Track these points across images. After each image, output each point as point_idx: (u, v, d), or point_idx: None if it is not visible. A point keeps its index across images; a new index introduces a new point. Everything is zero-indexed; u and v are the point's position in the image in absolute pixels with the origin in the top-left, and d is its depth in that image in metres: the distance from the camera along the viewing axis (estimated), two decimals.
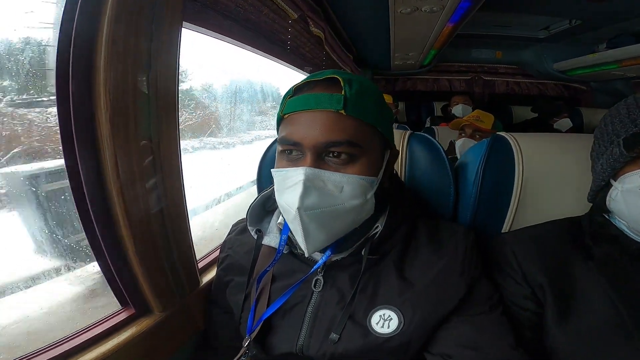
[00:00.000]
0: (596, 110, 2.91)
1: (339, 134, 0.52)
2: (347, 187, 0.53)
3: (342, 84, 0.53)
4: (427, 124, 3.10)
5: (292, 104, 0.54)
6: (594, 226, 0.63)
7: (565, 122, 2.44)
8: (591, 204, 0.68)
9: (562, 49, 2.54)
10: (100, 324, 0.65)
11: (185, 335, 0.78)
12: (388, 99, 2.87)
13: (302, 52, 1.60)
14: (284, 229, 0.63)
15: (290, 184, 0.52)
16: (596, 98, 3.05)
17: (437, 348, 0.56)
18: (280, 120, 0.58)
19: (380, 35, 1.89)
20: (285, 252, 0.63)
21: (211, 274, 0.88)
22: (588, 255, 0.61)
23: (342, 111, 0.51)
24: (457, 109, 2.77)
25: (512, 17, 2.20)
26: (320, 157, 0.53)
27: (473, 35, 2.54)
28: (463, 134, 1.83)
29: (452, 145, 2.04)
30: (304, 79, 0.57)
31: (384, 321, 0.55)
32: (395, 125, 2.39)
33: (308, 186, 0.51)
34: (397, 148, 0.74)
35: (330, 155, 0.53)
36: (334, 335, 0.55)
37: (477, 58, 3.07)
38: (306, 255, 0.55)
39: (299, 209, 0.50)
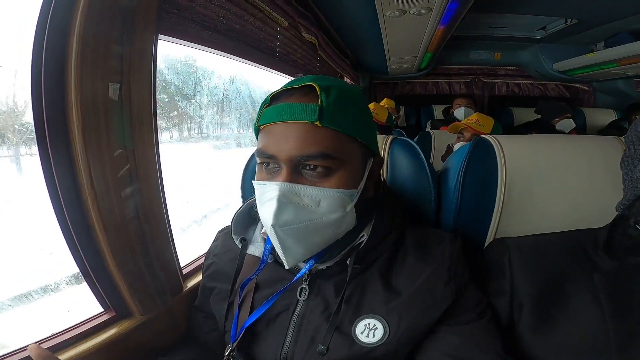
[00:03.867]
0: (598, 110, 2.87)
1: (314, 147, 0.50)
2: (325, 202, 0.52)
3: (318, 92, 0.51)
4: (428, 128, 3.08)
5: (267, 115, 0.53)
6: (620, 238, 0.59)
7: (568, 123, 2.40)
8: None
9: (561, 49, 2.51)
10: (81, 325, 0.68)
11: (169, 339, 0.78)
12: (390, 103, 2.86)
13: (294, 58, 1.61)
14: (268, 238, 0.62)
15: (267, 199, 0.52)
16: (598, 98, 3.01)
17: (424, 358, 0.55)
18: (257, 131, 0.57)
19: (374, 39, 1.89)
20: (269, 260, 0.63)
21: (196, 280, 0.89)
22: (594, 267, 0.59)
23: (318, 122, 0.50)
24: (459, 112, 2.74)
25: (508, 18, 2.19)
26: (297, 170, 0.52)
27: (470, 37, 2.53)
28: (461, 138, 1.81)
29: (449, 149, 2.02)
30: (282, 87, 0.56)
31: (369, 330, 0.55)
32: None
33: (283, 202, 0.50)
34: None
35: (307, 168, 0.52)
36: (321, 347, 0.54)
37: (475, 60, 3.05)
38: (286, 267, 0.55)
39: (273, 225, 0.50)
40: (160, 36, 0.66)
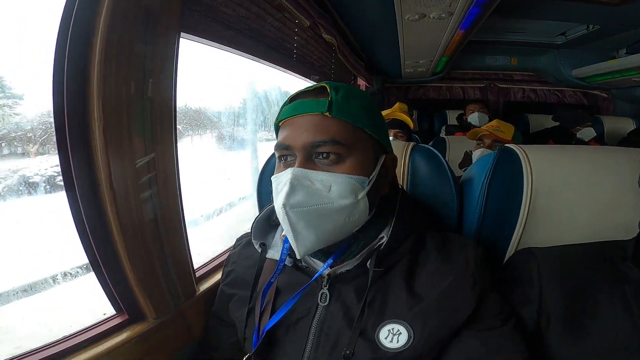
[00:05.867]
0: (617, 119, 2.80)
1: (324, 134, 0.55)
2: (335, 186, 0.54)
3: (329, 89, 0.57)
4: (442, 133, 3.05)
5: (285, 112, 0.59)
6: None
7: (589, 132, 2.37)
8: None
9: (580, 55, 2.46)
10: (93, 328, 0.66)
11: (181, 343, 0.77)
12: (403, 107, 2.82)
13: (310, 60, 1.61)
14: (286, 239, 0.62)
15: (281, 186, 0.54)
16: (617, 106, 2.94)
17: None
18: (277, 128, 0.62)
19: (390, 42, 1.88)
20: (289, 265, 0.64)
21: (209, 283, 0.88)
22: (624, 278, 0.59)
23: (327, 113, 0.55)
24: (473, 117, 2.71)
25: (527, 23, 2.15)
26: (310, 158, 0.56)
27: (487, 41, 2.50)
28: (481, 144, 1.78)
29: (467, 155, 1.99)
30: (298, 90, 0.61)
31: (393, 336, 0.54)
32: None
33: (294, 184, 0.53)
34: (399, 160, 0.75)
35: (320, 156, 0.55)
36: (346, 352, 0.54)
37: (491, 65, 3.01)
38: (298, 257, 0.56)
39: (284, 205, 0.52)
40: (182, 34, 0.64)
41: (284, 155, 0.58)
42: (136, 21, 0.55)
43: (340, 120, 0.56)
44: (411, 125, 2.03)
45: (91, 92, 0.52)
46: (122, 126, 0.56)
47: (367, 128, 0.58)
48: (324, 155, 0.55)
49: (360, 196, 0.56)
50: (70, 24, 0.50)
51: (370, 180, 0.57)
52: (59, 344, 0.62)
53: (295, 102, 0.58)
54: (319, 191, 0.54)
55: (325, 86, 0.58)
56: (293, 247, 0.55)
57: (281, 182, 0.55)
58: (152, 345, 0.71)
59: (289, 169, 0.55)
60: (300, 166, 0.54)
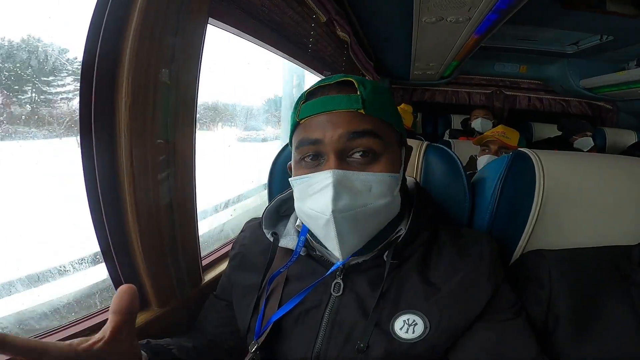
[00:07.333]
0: (620, 131, 2.81)
1: (361, 125, 0.52)
2: (375, 186, 0.52)
3: (356, 85, 0.53)
4: (446, 137, 3.05)
5: (308, 108, 0.54)
6: None
7: (586, 141, 2.34)
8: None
9: (590, 66, 2.46)
10: (96, 315, 0.66)
11: (184, 331, 0.76)
12: (408, 108, 2.82)
13: (322, 55, 1.60)
14: (302, 231, 0.61)
15: (316, 189, 0.51)
16: (621, 118, 2.95)
17: (460, 354, 0.54)
18: (295, 126, 0.57)
19: (402, 43, 1.87)
20: (302, 254, 0.62)
21: (214, 273, 0.88)
22: (631, 281, 0.60)
23: (362, 110, 0.51)
24: (477, 123, 2.72)
25: (539, 32, 2.15)
26: (343, 158, 0.52)
27: (497, 48, 2.49)
28: (487, 150, 1.78)
29: (472, 160, 1.99)
30: (315, 84, 0.57)
31: (408, 326, 0.54)
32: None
33: (338, 188, 0.49)
34: (413, 158, 0.74)
35: (355, 154, 0.52)
36: (360, 345, 0.53)
37: (499, 72, 3.01)
38: (340, 259, 0.54)
39: (333, 211, 0.49)
40: (210, 20, 0.64)
41: (309, 154, 0.54)
42: (171, 3, 0.54)
43: (373, 117, 0.53)
44: (408, 124, 2.02)
45: (122, 68, 0.51)
46: (147, 111, 0.55)
47: (394, 123, 0.57)
48: (360, 153, 0.52)
49: (395, 192, 0.55)
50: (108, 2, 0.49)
51: (401, 176, 0.57)
52: (57, 332, 0.61)
53: (321, 99, 0.54)
54: (361, 192, 0.51)
55: (350, 80, 0.54)
56: (335, 252, 0.52)
57: (315, 184, 0.52)
58: (156, 334, 0.69)
59: (325, 171, 0.51)
60: (337, 167, 0.51)
